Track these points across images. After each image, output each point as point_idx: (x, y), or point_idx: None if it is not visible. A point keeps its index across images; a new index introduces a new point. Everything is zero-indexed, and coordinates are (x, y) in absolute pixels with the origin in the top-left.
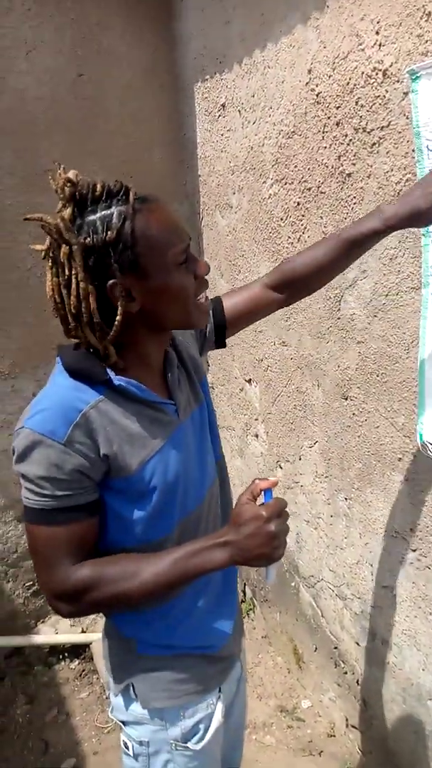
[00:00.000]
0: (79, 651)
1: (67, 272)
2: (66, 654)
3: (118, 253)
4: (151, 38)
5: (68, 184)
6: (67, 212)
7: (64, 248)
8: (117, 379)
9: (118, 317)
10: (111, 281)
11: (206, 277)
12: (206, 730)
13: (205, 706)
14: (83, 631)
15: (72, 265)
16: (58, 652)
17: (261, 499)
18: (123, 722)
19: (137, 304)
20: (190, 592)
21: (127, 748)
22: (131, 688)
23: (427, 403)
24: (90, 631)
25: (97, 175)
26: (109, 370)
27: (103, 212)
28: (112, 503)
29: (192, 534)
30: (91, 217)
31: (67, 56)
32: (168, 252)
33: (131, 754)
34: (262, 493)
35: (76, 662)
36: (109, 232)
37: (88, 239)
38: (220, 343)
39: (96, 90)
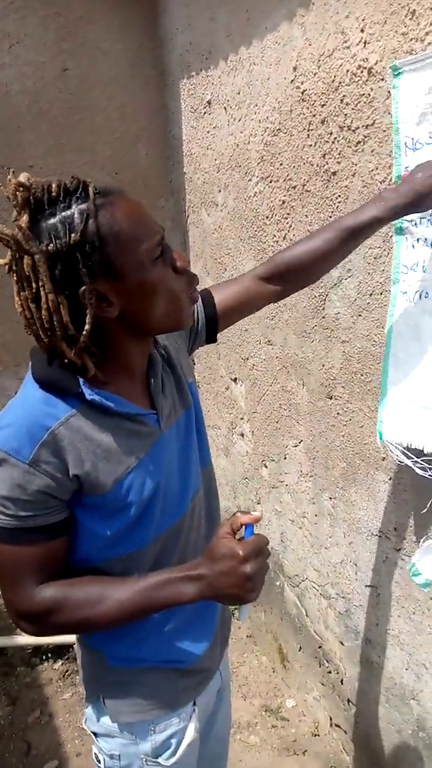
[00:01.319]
0: (62, 651)
1: (34, 285)
2: (49, 654)
3: (86, 255)
4: (136, 33)
5: (20, 189)
6: (24, 219)
7: (27, 259)
8: (90, 394)
9: (87, 325)
10: (82, 288)
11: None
12: (178, 745)
13: (177, 721)
14: None
15: (38, 277)
16: (41, 652)
17: (241, 533)
18: (95, 733)
19: (116, 308)
20: (156, 616)
21: (98, 760)
22: (101, 700)
23: (387, 400)
24: None
25: (82, 170)
26: (82, 383)
27: (62, 214)
28: (85, 520)
29: (171, 547)
30: (51, 221)
31: (51, 50)
32: (140, 247)
33: (102, 767)
34: (243, 527)
35: (60, 663)
36: (72, 235)
37: (51, 245)
38: (211, 338)
39: (81, 84)
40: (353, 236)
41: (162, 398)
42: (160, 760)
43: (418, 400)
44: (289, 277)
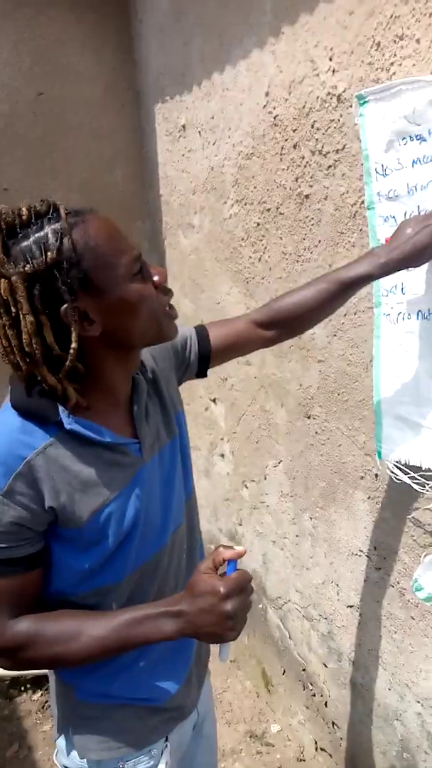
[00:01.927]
0: (41, 682)
1: (12, 309)
2: (28, 686)
3: (64, 273)
4: (110, 56)
5: None
6: None
7: (3, 283)
8: (69, 423)
9: (73, 344)
10: (64, 306)
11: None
12: None
13: (146, 759)
14: None
15: (16, 300)
16: (20, 684)
17: (224, 569)
18: (65, 767)
19: (98, 326)
20: (130, 652)
21: None
22: (70, 733)
23: (384, 421)
24: None
25: (58, 193)
26: (62, 411)
27: (36, 235)
28: (59, 552)
29: (149, 581)
30: (24, 243)
31: (25, 74)
32: (119, 261)
33: None
34: (226, 563)
35: (39, 694)
36: (48, 254)
37: (27, 266)
38: (202, 373)
39: (56, 107)
40: (345, 290)
41: (145, 426)
42: None
43: (412, 418)
44: (283, 326)
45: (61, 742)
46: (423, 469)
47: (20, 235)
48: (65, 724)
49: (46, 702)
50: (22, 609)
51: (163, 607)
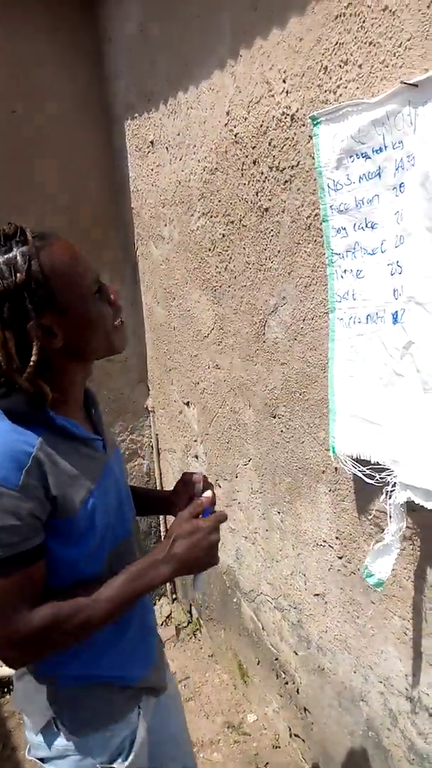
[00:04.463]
0: None
1: None
2: (11, 687)
3: (32, 292)
4: (82, 76)
5: None
6: None
7: None
8: (60, 420)
9: (33, 357)
10: (30, 323)
11: (144, 304)
12: (131, 747)
13: (126, 725)
14: None
15: None
16: (3, 685)
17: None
18: (42, 759)
19: (60, 339)
20: (106, 636)
21: None
22: (53, 723)
23: (338, 418)
24: None
25: (33, 207)
26: (48, 410)
27: (5, 256)
28: (52, 545)
29: (119, 567)
30: None
31: None
32: (82, 282)
33: None
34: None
35: None
36: (18, 275)
37: None
38: None
39: (29, 125)
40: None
41: (103, 428)
42: (115, 765)
43: (362, 415)
44: None
45: (39, 737)
46: (372, 462)
47: None
48: (46, 715)
49: None
50: (37, 599)
51: (156, 556)
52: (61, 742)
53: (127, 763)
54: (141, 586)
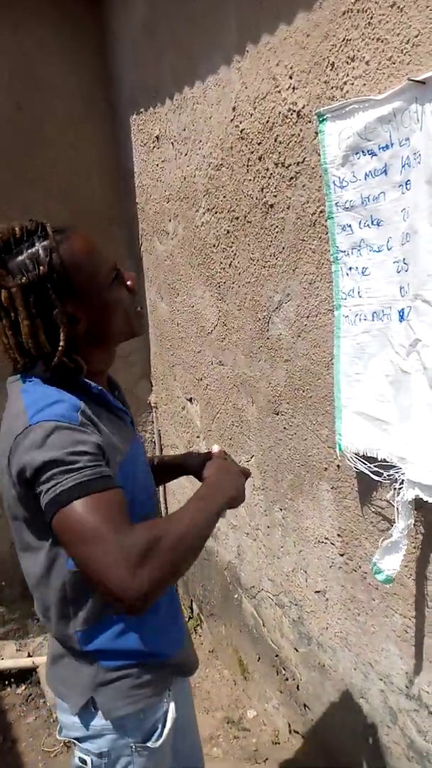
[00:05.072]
0: (25, 675)
1: (12, 314)
2: (12, 679)
3: (55, 283)
4: (87, 71)
5: None
6: None
7: (4, 293)
8: (95, 387)
9: (61, 342)
10: (55, 311)
11: (148, 299)
12: (164, 726)
13: (160, 706)
14: (29, 656)
15: (15, 307)
16: (4, 677)
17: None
18: (78, 739)
19: (84, 324)
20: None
21: (84, 763)
22: (91, 703)
23: (343, 415)
24: (36, 656)
25: (38, 203)
26: (85, 379)
27: (29, 251)
28: None
29: None
30: (19, 258)
31: (4, 88)
32: (99, 272)
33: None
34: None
35: (23, 687)
36: (41, 267)
37: (24, 278)
38: None
39: (35, 120)
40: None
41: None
42: (148, 744)
43: (369, 412)
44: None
45: (76, 718)
46: (379, 459)
47: (15, 251)
48: (85, 695)
49: (30, 695)
50: (129, 521)
51: (200, 491)
52: (98, 722)
53: (159, 742)
54: (213, 506)
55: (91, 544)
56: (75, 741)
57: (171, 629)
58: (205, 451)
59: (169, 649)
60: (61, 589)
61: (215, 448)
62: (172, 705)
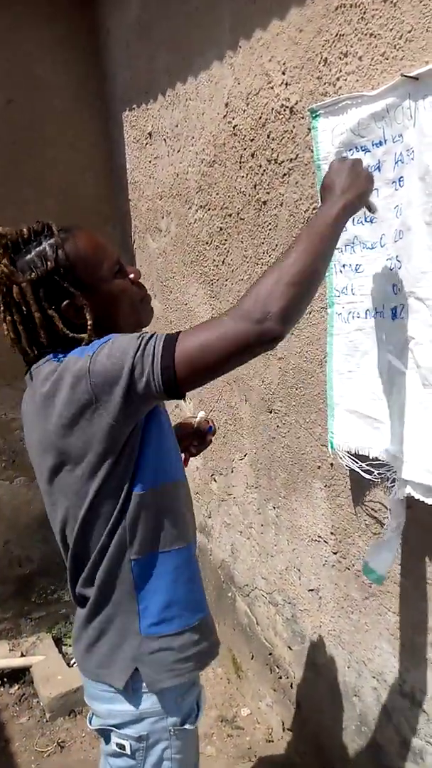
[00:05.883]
0: (18, 675)
1: (24, 309)
2: (5, 679)
3: (62, 277)
4: (80, 68)
5: (1, 239)
6: (6, 260)
7: (15, 289)
8: None
9: (89, 321)
10: (64, 303)
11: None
12: (199, 708)
13: (196, 687)
14: (22, 655)
15: (26, 301)
16: None
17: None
18: (116, 726)
19: (92, 315)
20: (176, 575)
21: (123, 749)
22: (136, 676)
23: (336, 413)
24: (29, 655)
25: (32, 199)
26: None
27: (36, 249)
28: (151, 428)
29: (185, 501)
30: (28, 257)
31: None
32: (103, 265)
33: (128, 753)
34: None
35: (16, 687)
36: (48, 263)
37: (33, 274)
38: None
39: (27, 116)
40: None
41: None
42: (186, 726)
43: (362, 410)
44: None
45: (110, 705)
46: (371, 458)
47: (23, 250)
48: (131, 669)
49: (23, 695)
50: None
51: (327, 200)
52: (139, 704)
53: (196, 723)
54: (321, 224)
55: (215, 328)
56: (113, 728)
57: (199, 596)
58: (190, 416)
59: (201, 613)
60: (119, 513)
61: (200, 414)
62: (203, 688)
